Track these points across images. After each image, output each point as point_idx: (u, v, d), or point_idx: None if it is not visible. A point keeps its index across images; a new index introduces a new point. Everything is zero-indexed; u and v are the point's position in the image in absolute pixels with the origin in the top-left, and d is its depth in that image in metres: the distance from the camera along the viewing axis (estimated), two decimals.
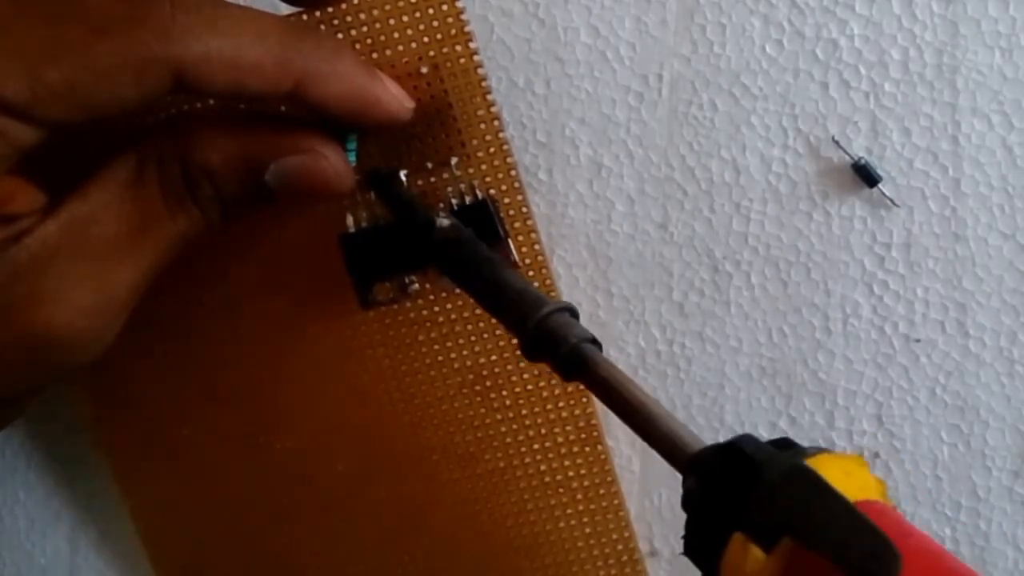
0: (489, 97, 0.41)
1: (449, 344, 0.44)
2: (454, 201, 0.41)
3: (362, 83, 0.36)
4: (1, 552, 0.50)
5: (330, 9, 0.40)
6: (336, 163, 0.37)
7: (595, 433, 0.45)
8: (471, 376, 0.44)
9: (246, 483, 0.46)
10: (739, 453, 0.28)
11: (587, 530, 0.46)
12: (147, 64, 0.32)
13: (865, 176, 0.43)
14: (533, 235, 0.43)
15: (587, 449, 0.45)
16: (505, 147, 0.41)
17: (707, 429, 0.46)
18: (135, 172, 0.35)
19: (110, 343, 0.36)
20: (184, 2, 0.32)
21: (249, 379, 0.45)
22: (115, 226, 0.34)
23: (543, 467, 0.45)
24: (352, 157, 0.39)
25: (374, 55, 0.40)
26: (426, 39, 0.40)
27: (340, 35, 0.40)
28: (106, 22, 0.31)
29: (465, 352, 0.44)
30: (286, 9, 0.39)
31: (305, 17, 0.40)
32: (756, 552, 0.27)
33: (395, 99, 0.38)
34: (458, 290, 0.43)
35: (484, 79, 0.41)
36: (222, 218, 0.36)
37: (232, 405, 0.45)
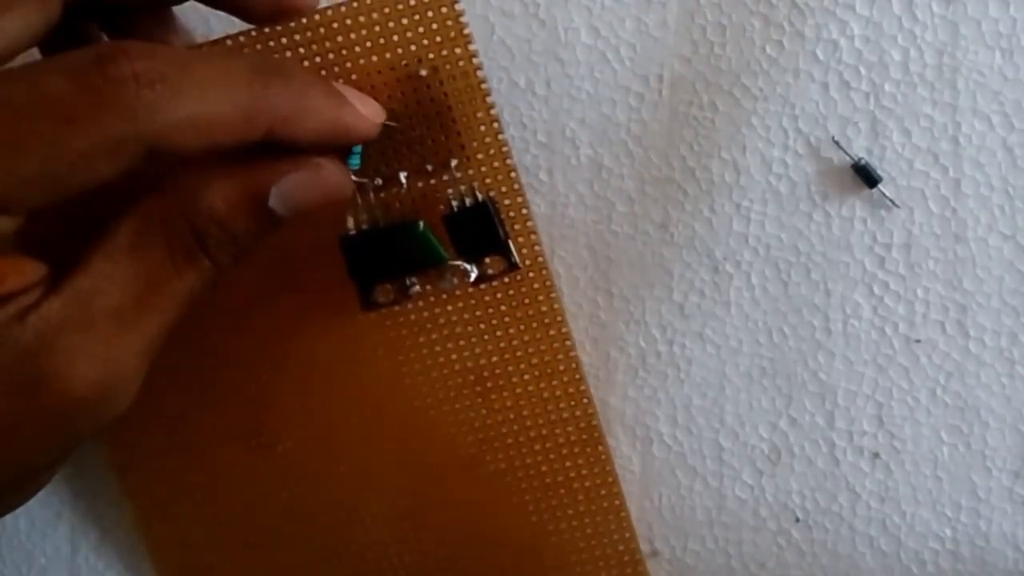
0: (488, 99, 0.41)
1: (450, 345, 0.44)
2: (454, 203, 0.41)
3: (332, 115, 0.36)
4: (1, 552, 0.50)
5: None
6: (334, 170, 0.37)
7: (596, 434, 0.45)
8: (472, 377, 0.44)
9: (247, 484, 0.46)
10: None
11: (588, 531, 0.46)
12: (117, 145, 0.32)
13: (865, 176, 0.44)
14: (533, 236, 0.43)
15: (588, 450, 0.45)
16: (505, 149, 0.41)
17: (707, 429, 0.46)
18: (137, 236, 0.34)
19: (131, 401, 0.35)
20: (148, 75, 0.32)
21: (250, 380, 0.45)
22: (120, 295, 0.34)
23: (544, 468, 0.45)
24: (356, 161, 0.39)
25: (374, 58, 0.40)
26: (426, 41, 0.40)
27: (340, 38, 0.40)
28: (73, 110, 0.31)
29: (466, 353, 0.44)
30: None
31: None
32: None
33: (364, 121, 0.38)
34: (459, 292, 0.43)
35: (484, 81, 0.41)
36: (233, 260, 0.36)
37: (233, 406, 0.45)
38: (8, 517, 0.49)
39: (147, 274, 0.34)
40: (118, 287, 0.34)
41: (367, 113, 0.38)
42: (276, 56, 0.41)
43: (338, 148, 0.38)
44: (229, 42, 0.41)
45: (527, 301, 0.43)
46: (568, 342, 0.44)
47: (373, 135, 0.38)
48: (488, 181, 0.42)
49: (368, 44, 0.40)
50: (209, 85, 0.33)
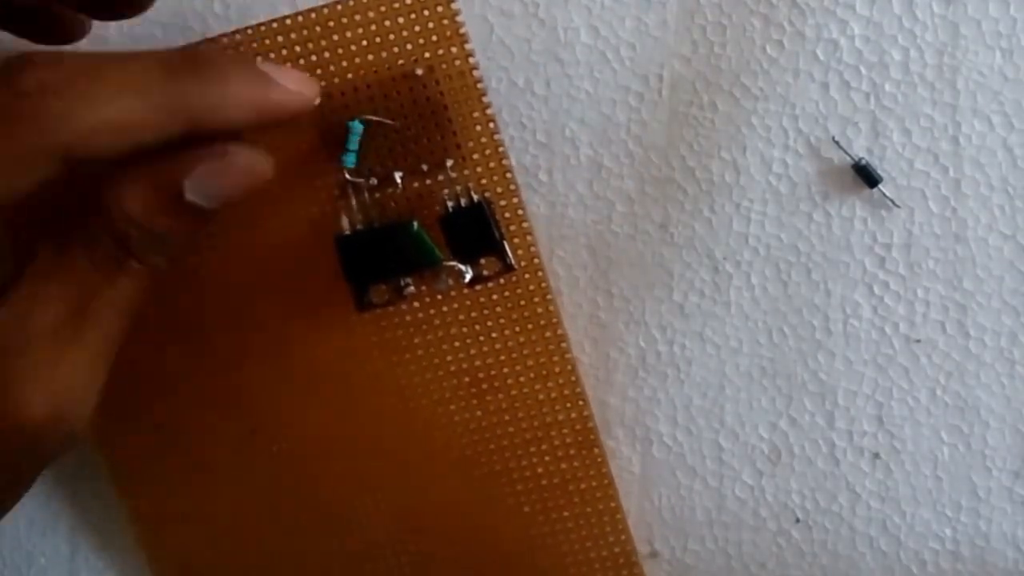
0: (484, 99, 0.41)
1: (445, 347, 0.44)
2: (449, 204, 0.41)
3: (256, 98, 0.36)
4: (1, 552, 0.50)
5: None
6: (244, 152, 0.37)
7: (591, 436, 0.45)
8: (467, 379, 0.44)
9: (243, 485, 0.46)
10: None
11: (583, 533, 0.46)
12: (31, 157, 0.31)
13: (866, 177, 0.43)
14: (529, 237, 0.43)
15: (583, 452, 0.45)
16: (501, 149, 0.41)
17: (707, 429, 0.46)
18: (60, 250, 0.34)
19: (89, 418, 0.36)
20: (55, 83, 0.31)
21: (245, 381, 0.45)
22: (54, 313, 0.34)
23: (539, 470, 0.45)
24: (352, 160, 0.40)
25: (369, 57, 0.40)
26: (421, 41, 0.40)
27: (335, 37, 0.40)
28: None
29: (461, 355, 0.44)
30: None
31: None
32: None
33: (294, 96, 0.37)
34: (454, 293, 0.43)
35: (479, 81, 0.41)
36: (168, 258, 0.36)
37: (229, 407, 0.45)
38: (7, 517, 0.49)
39: (77, 288, 0.34)
40: (50, 305, 0.34)
41: (297, 88, 0.37)
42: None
43: (279, 126, 0.38)
44: (225, 40, 0.41)
45: (523, 302, 0.43)
46: (564, 344, 0.44)
47: (307, 109, 0.38)
48: (484, 181, 0.42)
49: (363, 43, 0.40)
50: (120, 87, 0.33)
